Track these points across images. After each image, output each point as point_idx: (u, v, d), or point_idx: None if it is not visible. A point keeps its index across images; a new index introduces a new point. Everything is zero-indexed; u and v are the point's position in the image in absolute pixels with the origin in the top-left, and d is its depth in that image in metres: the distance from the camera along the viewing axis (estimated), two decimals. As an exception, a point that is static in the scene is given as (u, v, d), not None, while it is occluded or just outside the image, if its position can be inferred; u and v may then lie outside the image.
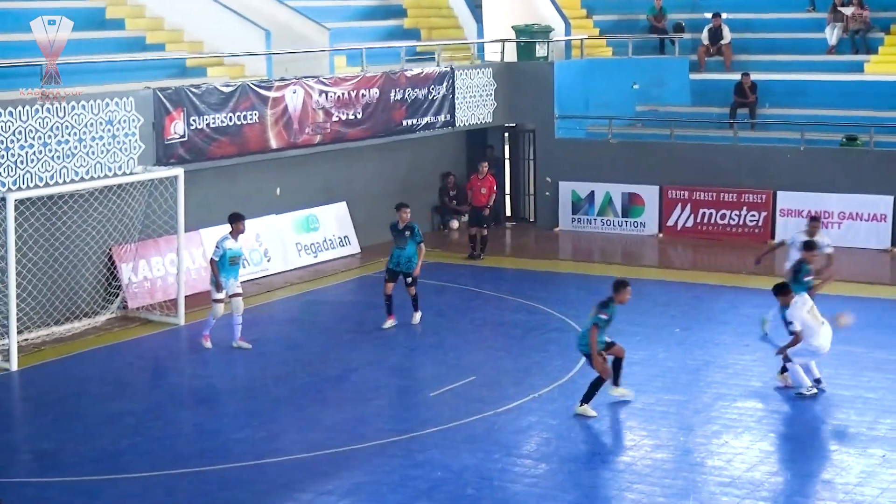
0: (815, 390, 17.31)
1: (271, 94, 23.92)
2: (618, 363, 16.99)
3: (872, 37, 32.14)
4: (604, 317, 16.57)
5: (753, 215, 27.86)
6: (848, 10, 32.04)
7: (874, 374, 18.25)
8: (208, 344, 19.95)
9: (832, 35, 32.35)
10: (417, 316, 21.26)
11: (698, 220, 28.43)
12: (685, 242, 27.89)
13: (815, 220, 20.75)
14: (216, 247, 19.82)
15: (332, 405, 17.39)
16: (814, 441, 16.08)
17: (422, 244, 21.05)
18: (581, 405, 16.62)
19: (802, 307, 17.08)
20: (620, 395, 17.07)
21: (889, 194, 26.66)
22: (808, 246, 19.17)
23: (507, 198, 31.38)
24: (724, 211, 28.17)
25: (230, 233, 19.86)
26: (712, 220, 28.31)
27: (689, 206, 28.57)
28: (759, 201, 27.76)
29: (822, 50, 32.45)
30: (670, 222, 28.74)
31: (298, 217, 26.16)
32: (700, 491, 14.05)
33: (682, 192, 28.64)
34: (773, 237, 27.31)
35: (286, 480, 14.48)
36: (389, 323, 21.02)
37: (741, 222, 27.96)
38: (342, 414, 17.04)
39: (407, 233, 20.90)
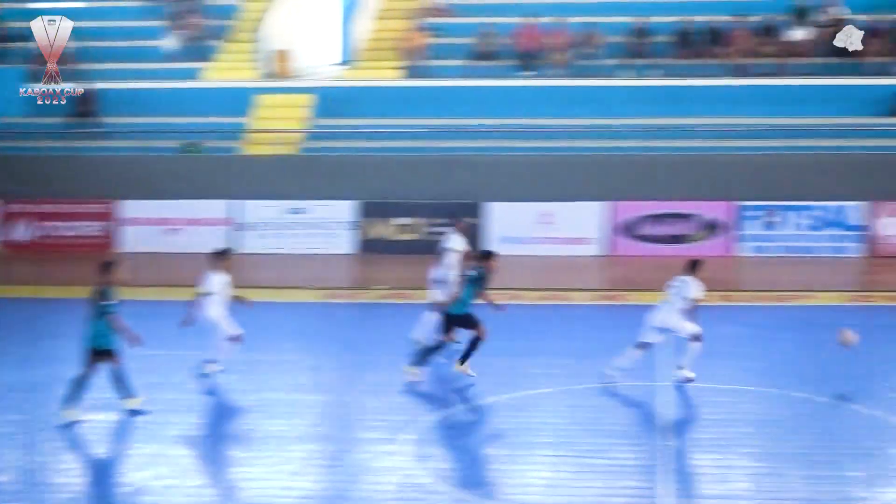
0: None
1: None
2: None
3: (208, 44, 32.69)
4: None
5: (96, 225, 27.83)
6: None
7: (271, 376, 18.59)
8: None
9: (172, 42, 32.56)
10: None
11: (41, 234, 28.01)
12: (28, 257, 27.23)
13: None
14: None
15: None
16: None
17: None
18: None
19: None
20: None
21: (224, 198, 27.37)
22: None
23: None
24: (66, 223, 27.96)
25: None
26: (56, 233, 27.94)
27: (30, 219, 28.08)
28: (102, 211, 27.74)
29: (162, 58, 32.60)
30: (12, 237, 28.07)
31: None
32: None
33: (24, 206, 28.11)
34: (117, 246, 27.32)
35: None
36: None
37: (84, 233, 27.81)
38: None
39: None
